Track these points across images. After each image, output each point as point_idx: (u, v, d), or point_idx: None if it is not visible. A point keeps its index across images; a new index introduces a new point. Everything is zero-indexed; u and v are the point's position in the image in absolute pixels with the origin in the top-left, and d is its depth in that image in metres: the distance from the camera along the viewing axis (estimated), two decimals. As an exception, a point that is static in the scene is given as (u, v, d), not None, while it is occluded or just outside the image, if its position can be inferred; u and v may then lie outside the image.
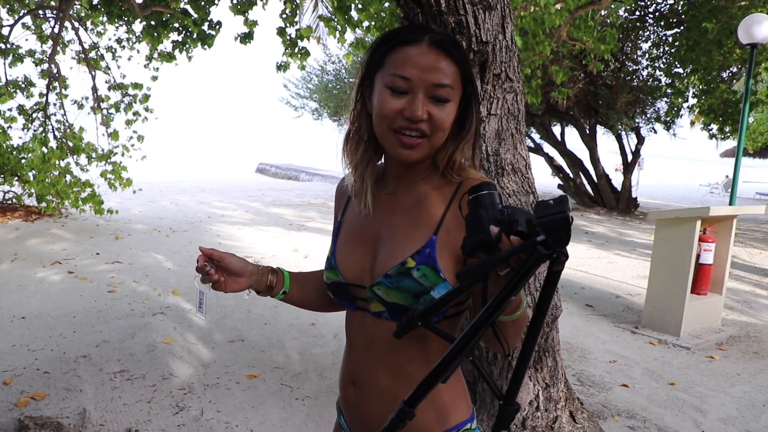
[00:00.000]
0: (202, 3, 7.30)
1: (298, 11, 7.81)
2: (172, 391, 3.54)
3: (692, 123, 15.09)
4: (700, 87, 12.08)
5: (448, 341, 0.97)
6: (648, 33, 13.56)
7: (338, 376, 1.36)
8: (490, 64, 2.64)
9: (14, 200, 9.75)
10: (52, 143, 9.13)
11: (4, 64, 8.15)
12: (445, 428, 1.19)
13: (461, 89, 1.18)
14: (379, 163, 1.31)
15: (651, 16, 12.94)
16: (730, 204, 7.40)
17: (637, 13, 12.75)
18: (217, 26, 7.72)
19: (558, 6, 6.59)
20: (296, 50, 7.75)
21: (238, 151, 39.94)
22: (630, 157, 15.53)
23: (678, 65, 12.02)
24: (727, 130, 14.25)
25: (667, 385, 4.21)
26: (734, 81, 12.64)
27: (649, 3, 12.73)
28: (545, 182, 20.36)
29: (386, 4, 7.27)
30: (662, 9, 12.63)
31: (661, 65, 13.48)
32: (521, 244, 0.84)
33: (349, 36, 7.94)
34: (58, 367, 3.73)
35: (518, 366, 0.92)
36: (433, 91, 1.13)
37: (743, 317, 6.01)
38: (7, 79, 8.41)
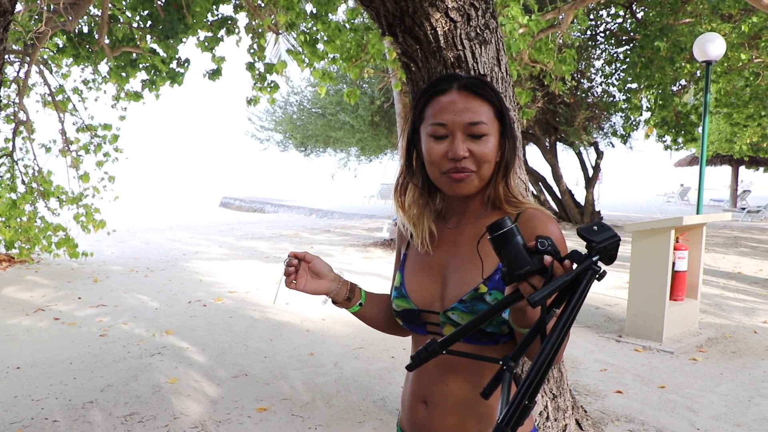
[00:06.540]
0: (171, 41, 7.37)
1: (265, 46, 7.96)
2: (185, 430, 3.56)
3: (646, 135, 15.64)
4: (656, 102, 12.58)
5: (489, 362, 1.06)
6: (599, 51, 14.11)
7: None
8: (488, 96, 2.80)
9: (-17, 248, 9.57)
10: (21, 188, 9.02)
11: (-31, 111, 8.04)
12: None
13: (498, 123, 1.32)
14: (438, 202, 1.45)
15: (602, 34, 13.50)
16: (698, 212, 7.74)
17: (589, 32, 13.28)
18: (186, 64, 7.80)
19: (521, 31, 6.87)
20: (265, 84, 7.88)
21: (199, 186, 39.67)
22: (591, 172, 15.99)
23: (631, 80, 12.50)
24: (680, 140, 14.82)
25: (658, 389, 4.40)
26: (684, 94, 13.23)
27: (599, 23, 13.29)
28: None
29: (350, 35, 7.48)
30: (612, 28, 13.20)
31: (615, 81, 14.02)
32: (580, 265, 1.00)
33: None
34: (67, 414, 3.72)
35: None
36: (469, 129, 1.27)
37: (717, 319, 6.29)
38: (-29, 125, 8.31)
